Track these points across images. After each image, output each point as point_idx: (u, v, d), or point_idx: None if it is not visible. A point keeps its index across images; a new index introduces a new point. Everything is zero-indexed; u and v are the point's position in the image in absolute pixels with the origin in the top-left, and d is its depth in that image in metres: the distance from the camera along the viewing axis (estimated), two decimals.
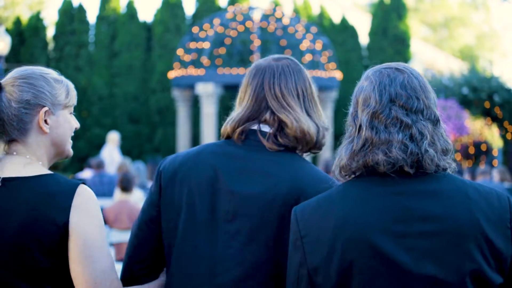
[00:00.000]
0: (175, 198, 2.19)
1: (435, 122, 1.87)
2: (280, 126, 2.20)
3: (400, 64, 1.92)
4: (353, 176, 1.90)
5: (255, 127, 2.22)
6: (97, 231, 2.05)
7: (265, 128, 2.21)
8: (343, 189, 1.90)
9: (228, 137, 2.25)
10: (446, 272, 1.76)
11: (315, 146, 2.24)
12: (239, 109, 2.25)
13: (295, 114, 2.21)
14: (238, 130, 2.22)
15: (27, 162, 2.11)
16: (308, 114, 2.27)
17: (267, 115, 2.21)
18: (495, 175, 11.01)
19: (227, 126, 2.24)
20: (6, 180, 2.05)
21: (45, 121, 2.14)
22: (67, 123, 2.20)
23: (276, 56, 2.34)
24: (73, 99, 2.24)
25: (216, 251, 2.14)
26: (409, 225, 1.79)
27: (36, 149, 2.14)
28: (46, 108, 2.14)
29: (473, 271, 1.77)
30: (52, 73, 2.22)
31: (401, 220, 1.79)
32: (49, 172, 2.11)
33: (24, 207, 2.00)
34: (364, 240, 1.79)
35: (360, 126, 1.88)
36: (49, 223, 2.00)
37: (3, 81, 2.14)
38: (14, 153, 2.12)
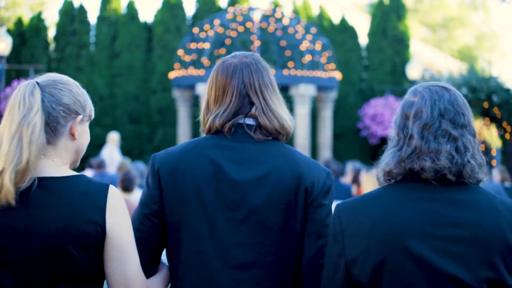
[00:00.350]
0: (179, 192, 2.32)
1: (475, 136, 2.11)
2: (263, 119, 2.41)
3: (444, 84, 2.15)
4: (393, 181, 2.11)
5: (241, 121, 2.41)
6: (130, 232, 2.16)
7: (250, 121, 2.41)
8: (384, 191, 2.11)
9: (215, 132, 2.42)
10: (467, 275, 1.96)
11: (288, 135, 2.46)
12: (222, 105, 2.42)
13: (275, 109, 2.42)
14: (228, 124, 2.39)
15: (56, 164, 2.17)
16: (280, 106, 2.47)
17: (253, 110, 2.41)
18: (495, 174, 11.03)
19: (215, 122, 2.39)
20: (42, 179, 2.10)
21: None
22: (87, 134, 2.31)
23: (242, 52, 2.52)
24: (93, 113, 2.35)
25: (225, 238, 2.30)
26: (440, 229, 2.00)
27: (64, 153, 2.21)
28: (81, 116, 2.25)
29: (492, 279, 1.96)
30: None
31: (433, 223, 2.00)
32: (78, 173, 2.18)
33: (63, 206, 2.06)
34: (397, 239, 2.00)
35: (410, 135, 2.08)
36: (89, 222, 2.07)
37: (41, 81, 2.19)
38: (42, 156, 2.15)
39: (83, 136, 2.26)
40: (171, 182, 2.32)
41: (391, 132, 2.19)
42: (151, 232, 2.35)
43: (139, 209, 2.37)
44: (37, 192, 2.07)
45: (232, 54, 2.51)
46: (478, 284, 1.97)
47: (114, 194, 2.13)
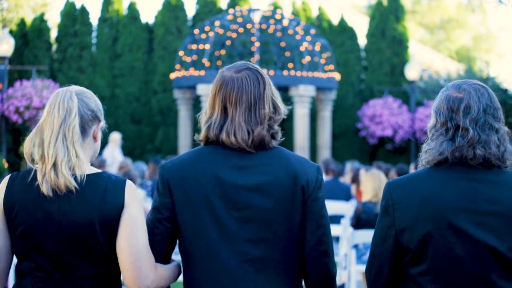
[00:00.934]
0: (188, 199, 2.55)
1: (502, 132, 2.48)
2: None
3: (480, 83, 2.52)
4: (426, 163, 2.47)
5: None
6: (141, 214, 2.51)
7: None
8: (429, 172, 2.47)
9: (213, 141, 2.60)
10: (500, 243, 2.34)
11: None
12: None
13: (268, 123, 2.58)
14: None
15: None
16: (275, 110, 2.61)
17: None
18: None
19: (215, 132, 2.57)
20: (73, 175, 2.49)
21: None
22: (100, 140, 2.67)
23: (240, 64, 2.65)
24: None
25: (234, 234, 2.53)
26: (478, 205, 2.38)
27: (88, 153, 2.58)
28: (102, 123, 2.64)
29: None
30: None
31: (473, 200, 2.38)
32: (99, 170, 2.57)
33: (90, 198, 2.46)
34: (442, 213, 2.38)
35: (462, 127, 2.43)
36: (111, 211, 2.47)
37: (73, 89, 2.58)
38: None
39: (99, 140, 2.62)
40: (181, 191, 2.56)
41: (431, 122, 2.52)
42: (164, 235, 2.59)
43: (152, 214, 2.60)
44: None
45: (235, 67, 2.65)
46: (509, 251, 2.35)
47: (130, 186, 2.53)
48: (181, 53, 17.15)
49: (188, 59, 16.97)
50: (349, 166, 11.94)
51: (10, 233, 2.51)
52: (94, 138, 2.59)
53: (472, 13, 38.20)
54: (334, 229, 7.78)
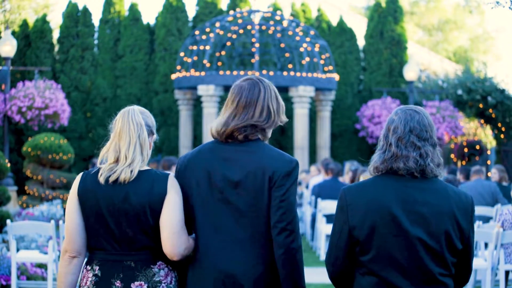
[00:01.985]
0: (186, 185, 3.31)
1: (435, 146, 3.05)
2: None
3: (417, 107, 3.11)
4: (379, 173, 3.07)
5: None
6: (178, 198, 3.30)
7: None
8: (374, 180, 3.08)
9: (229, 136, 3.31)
10: (429, 237, 2.95)
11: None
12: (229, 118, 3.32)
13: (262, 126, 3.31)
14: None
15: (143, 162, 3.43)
16: (270, 115, 3.32)
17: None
18: (494, 174, 11.06)
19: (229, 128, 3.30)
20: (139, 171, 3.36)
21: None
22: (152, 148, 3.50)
23: (248, 77, 3.37)
24: None
25: (220, 219, 3.25)
26: (413, 206, 2.98)
27: (145, 158, 3.38)
28: (155, 136, 3.48)
29: (445, 233, 2.97)
30: None
31: (408, 202, 2.99)
32: (149, 168, 3.39)
33: (143, 187, 3.28)
34: (385, 211, 2.98)
35: (390, 144, 3.04)
36: (159, 193, 3.27)
37: (138, 109, 3.40)
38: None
39: (151, 147, 3.45)
40: (180, 178, 3.34)
41: (380, 137, 3.11)
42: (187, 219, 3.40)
43: (178, 201, 3.38)
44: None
45: (244, 78, 3.39)
46: (437, 244, 2.96)
47: (171, 178, 3.33)
48: (181, 54, 17.31)
49: (188, 60, 17.12)
50: (348, 166, 12.08)
51: (83, 215, 3.30)
52: (149, 145, 3.41)
53: (469, 15, 38.39)
54: None
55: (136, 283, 3.27)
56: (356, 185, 3.11)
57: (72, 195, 3.35)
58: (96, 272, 3.29)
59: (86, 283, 3.31)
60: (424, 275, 2.98)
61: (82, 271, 3.39)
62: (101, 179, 3.28)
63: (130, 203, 3.26)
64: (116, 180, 3.27)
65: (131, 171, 3.28)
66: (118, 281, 3.26)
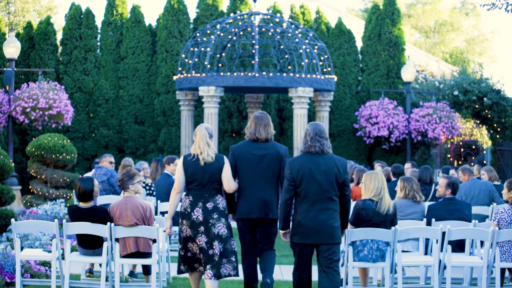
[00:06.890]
0: (238, 159, 7.11)
1: (327, 140, 6.59)
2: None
3: (318, 123, 6.63)
4: (303, 153, 6.56)
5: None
6: (228, 166, 6.97)
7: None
8: (301, 155, 6.56)
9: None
10: (327, 179, 6.44)
11: (271, 139, 7.28)
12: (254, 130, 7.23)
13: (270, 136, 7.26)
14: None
15: (212, 151, 7.10)
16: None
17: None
18: (484, 174, 11.22)
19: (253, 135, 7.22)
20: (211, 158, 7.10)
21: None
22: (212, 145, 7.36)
23: (261, 112, 7.27)
24: None
25: (256, 174, 7.10)
26: (319, 166, 6.45)
27: (213, 149, 7.04)
28: (212, 138, 7.11)
29: (334, 175, 6.46)
30: None
31: (317, 164, 6.46)
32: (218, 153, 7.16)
33: (214, 164, 6.96)
34: (306, 169, 6.44)
35: (307, 140, 6.52)
36: (222, 164, 7.02)
37: (204, 126, 7.19)
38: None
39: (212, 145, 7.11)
40: (235, 160, 7.11)
41: (303, 137, 6.65)
42: (233, 175, 7.09)
43: (229, 167, 6.99)
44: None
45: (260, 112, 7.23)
46: (330, 182, 6.42)
47: (225, 157, 7.01)
48: (183, 55, 17.51)
49: (190, 62, 17.33)
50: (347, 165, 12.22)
51: (185, 175, 6.90)
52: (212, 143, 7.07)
53: (465, 17, 38.69)
54: None
55: (207, 204, 6.87)
56: (295, 158, 6.54)
57: (179, 166, 6.90)
58: (191, 199, 6.89)
59: (185, 203, 6.89)
60: (326, 196, 6.40)
61: (183, 199, 6.98)
62: (201, 162, 6.86)
63: (212, 169, 6.86)
64: (204, 161, 6.89)
65: (211, 157, 6.85)
66: (200, 203, 6.86)
